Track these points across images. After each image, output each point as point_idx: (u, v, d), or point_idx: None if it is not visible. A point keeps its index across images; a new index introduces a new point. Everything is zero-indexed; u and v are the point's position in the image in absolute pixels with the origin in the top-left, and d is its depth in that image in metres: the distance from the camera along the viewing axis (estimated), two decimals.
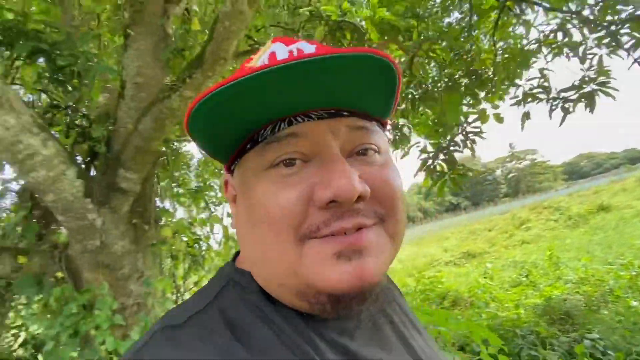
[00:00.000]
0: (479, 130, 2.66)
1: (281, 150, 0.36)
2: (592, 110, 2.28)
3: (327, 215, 0.35)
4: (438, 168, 2.63)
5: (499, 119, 2.77)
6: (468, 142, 2.64)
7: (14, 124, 1.82)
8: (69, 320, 1.87)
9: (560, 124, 2.42)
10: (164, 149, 2.25)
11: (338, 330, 0.40)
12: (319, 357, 0.36)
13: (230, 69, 2.51)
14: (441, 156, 2.61)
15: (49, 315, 1.93)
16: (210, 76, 1.90)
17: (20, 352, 2.80)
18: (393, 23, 2.19)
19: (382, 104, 0.41)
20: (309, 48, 0.40)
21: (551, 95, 2.60)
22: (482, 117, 2.69)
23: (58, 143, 2.02)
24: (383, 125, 0.45)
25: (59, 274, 2.09)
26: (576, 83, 2.40)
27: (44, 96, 3.05)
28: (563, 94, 2.52)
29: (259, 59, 0.41)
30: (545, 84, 2.55)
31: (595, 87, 2.18)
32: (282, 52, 0.40)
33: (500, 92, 2.71)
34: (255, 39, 2.79)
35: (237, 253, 0.48)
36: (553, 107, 2.62)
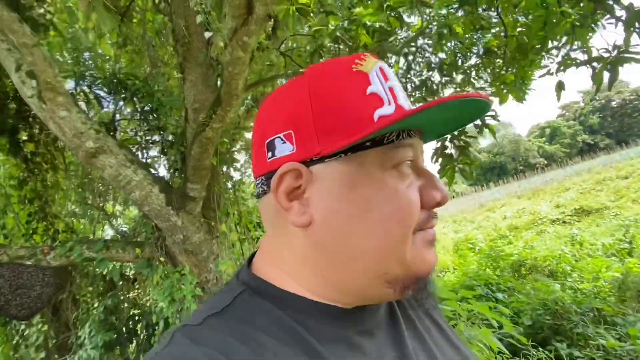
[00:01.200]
0: (494, 114, 2.47)
1: (406, 154, 0.42)
2: (609, 86, 1.92)
3: (426, 213, 0.44)
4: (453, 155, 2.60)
5: (519, 97, 2.49)
6: (484, 126, 2.50)
7: (114, 163, 2.65)
8: (167, 291, 2.74)
9: (595, 93, 2.11)
10: (214, 163, 2.87)
11: (360, 331, 0.45)
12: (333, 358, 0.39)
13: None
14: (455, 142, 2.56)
15: (154, 288, 2.84)
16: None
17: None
18: (381, 24, 2.21)
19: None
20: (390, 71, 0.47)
21: (593, 57, 2.28)
22: (500, 97, 2.48)
23: (145, 170, 2.81)
24: None
25: (162, 259, 2.99)
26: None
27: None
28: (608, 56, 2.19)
29: (372, 68, 0.44)
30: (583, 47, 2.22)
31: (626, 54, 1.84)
32: (386, 69, 0.45)
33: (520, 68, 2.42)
34: (287, 53, 3.13)
35: (250, 259, 0.52)
36: (597, 71, 2.32)
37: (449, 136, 2.73)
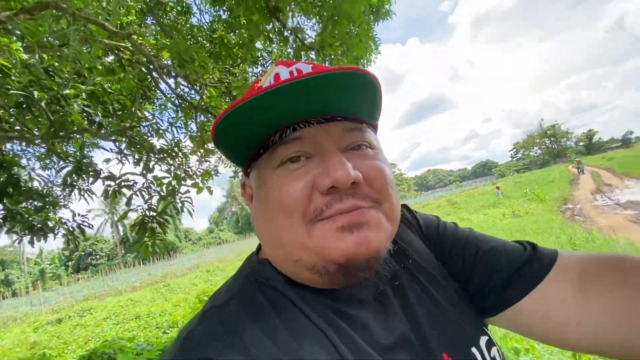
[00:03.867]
0: (189, 200, 3.13)
1: (288, 150, 0.44)
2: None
3: (328, 199, 0.42)
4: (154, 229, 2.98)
5: (209, 191, 3.34)
6: (184, 208, 3.11)
7: None
8: None
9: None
10: None
11: (346, 302, 0.46)
12: (333, 326, 0.43)
13: None
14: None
15: None
16: None
17: None
18: None
19: (367, 108, 0.49)
20: (306, 68, 0.48)
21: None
22: (197, 188, 3.21)
23: None
24: (374, 127, 0.54)
25: None
26: None
27: None
28: None
29: (266, 80, 0.47)
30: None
31: None
32: (284, 72, 0.47)
33: None
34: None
35: (260, 246, 0.55)
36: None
37: (150, 213, 3.04)
